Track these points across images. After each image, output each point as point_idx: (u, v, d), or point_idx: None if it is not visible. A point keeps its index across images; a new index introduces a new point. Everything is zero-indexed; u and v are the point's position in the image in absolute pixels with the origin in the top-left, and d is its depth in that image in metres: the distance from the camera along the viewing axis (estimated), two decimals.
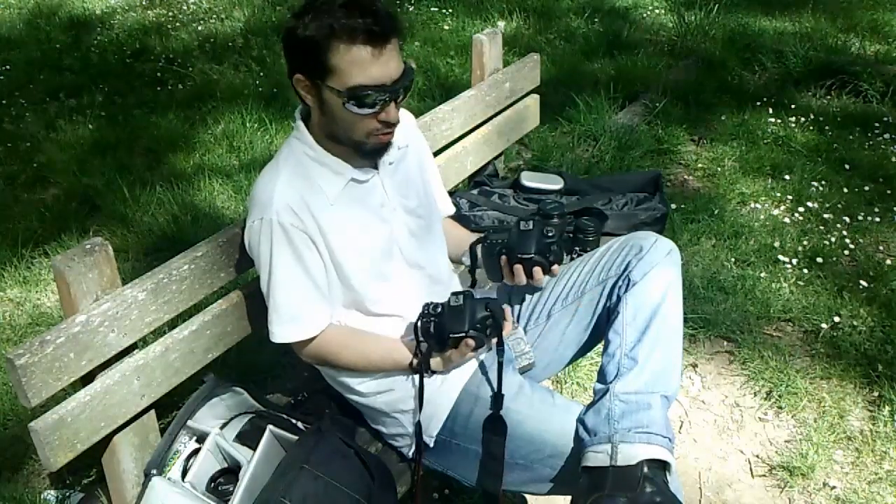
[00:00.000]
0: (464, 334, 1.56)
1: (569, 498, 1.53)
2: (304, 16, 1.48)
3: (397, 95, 1.51)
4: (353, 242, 1.60)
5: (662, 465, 1.45)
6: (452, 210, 1.99)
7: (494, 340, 1.60)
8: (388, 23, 1.45)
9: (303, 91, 1.54)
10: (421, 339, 1.60)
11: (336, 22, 1.43)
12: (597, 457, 1.46)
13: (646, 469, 1.42)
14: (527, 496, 2.08)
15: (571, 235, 2.32)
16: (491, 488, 1.60)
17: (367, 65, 1.45)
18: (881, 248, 3.06)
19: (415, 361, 1.64)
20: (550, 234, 1.69)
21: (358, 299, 1.65)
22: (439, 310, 1.59)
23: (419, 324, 1.59)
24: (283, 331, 1.62)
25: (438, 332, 1.58)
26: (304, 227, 1.55)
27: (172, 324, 1.68)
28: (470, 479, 1.66)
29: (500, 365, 1.59)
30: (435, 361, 1.64)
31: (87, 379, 1.53)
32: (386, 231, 1.65)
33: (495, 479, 1.58)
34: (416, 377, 1.65)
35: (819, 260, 2.95)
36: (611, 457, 1.44)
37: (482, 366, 1.68)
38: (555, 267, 1.70)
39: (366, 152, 1.59)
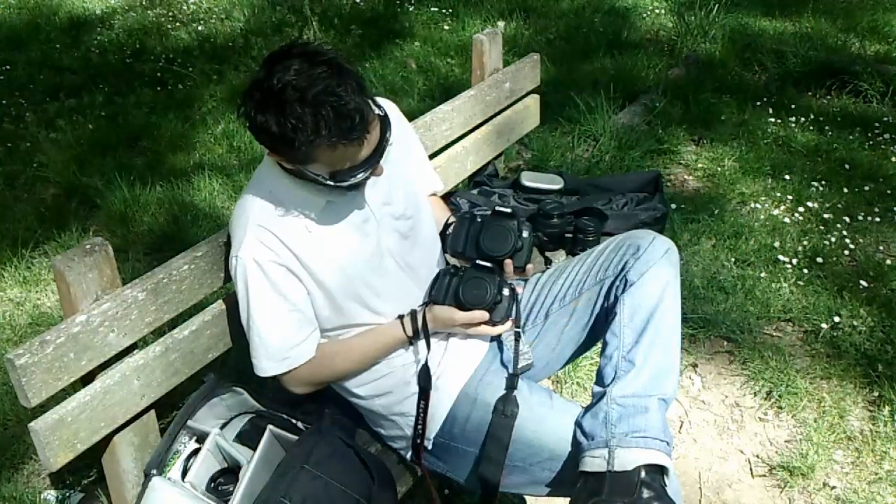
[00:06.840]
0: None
1: (568, 499, 1.53)
2: (266, 107, 1.37)
3: (382, 157, 1.48)
4: (339, 267, 1.58)
5: (660, 469, 1.44)
6: (441, 187, 1.94)
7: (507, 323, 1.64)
8: (362, 114, 1.37)
9: (279, 163, 1.50)
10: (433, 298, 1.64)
11: (310, 129, 1.36)
12: (594, 461, 1.46)
13: (643, 474, 1.42)
14: (525, 497, 2.08)
15: (571, 235, 2.32)
16: (490, 475, 1.56)
17: (349, 155, 1.42)
18: (881, 248, 3.06)
19: (406, 326, 1.62)
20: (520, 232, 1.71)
21: (349, 313, 1.63)
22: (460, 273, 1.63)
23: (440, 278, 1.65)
24: (271, 365, 1.60)
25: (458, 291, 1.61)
26: (281, 261, 1.52)
27: (172, 324, 1.68)
28: (469, 481, 1.65)
29: (518, 336, 1.60)
30: (430, 318, 1.63)
31: (87, 379, 1.53)
32: (372, 245, 1.62)
33: (496, 467, 1.56)
34: (415, 379, 1.66)
35: (819, 260, 2.95)
36: (608, 462, 1.44)
37: (480, 368, 1.68)
38: (529, 266, 1.73)
39: (346, 189, 1.53)
